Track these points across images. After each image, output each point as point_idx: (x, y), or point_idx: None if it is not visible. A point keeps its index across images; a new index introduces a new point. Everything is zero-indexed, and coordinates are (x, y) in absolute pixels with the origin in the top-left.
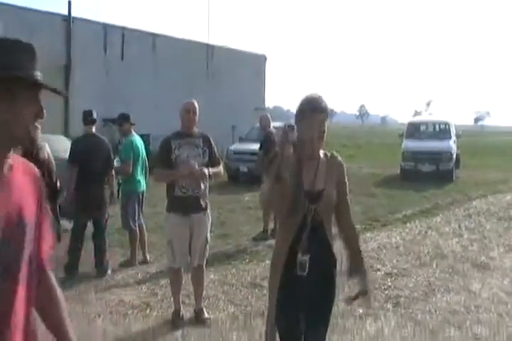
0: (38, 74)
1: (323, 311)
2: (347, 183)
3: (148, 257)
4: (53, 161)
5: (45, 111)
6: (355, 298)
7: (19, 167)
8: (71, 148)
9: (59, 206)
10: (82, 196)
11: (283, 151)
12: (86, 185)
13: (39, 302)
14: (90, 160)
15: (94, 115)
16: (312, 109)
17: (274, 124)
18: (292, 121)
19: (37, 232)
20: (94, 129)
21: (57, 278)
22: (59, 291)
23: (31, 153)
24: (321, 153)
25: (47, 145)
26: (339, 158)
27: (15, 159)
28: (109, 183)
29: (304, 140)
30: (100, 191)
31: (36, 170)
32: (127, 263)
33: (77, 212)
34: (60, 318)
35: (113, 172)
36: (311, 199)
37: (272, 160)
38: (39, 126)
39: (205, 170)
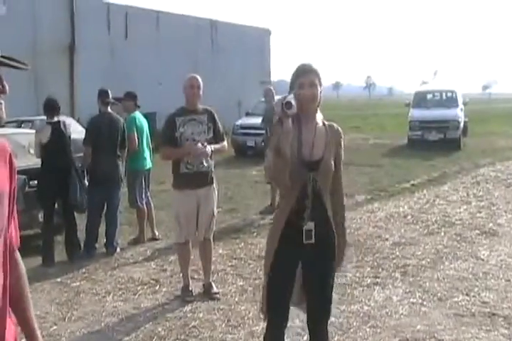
0: None
1: (327, 284)
2: (342, 155)
3: (156, 234)
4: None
5: (7, 86)
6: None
7: None
8: (87, 128)
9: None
10: (97, 172)
11: (282, 125)
12: (100, 162)
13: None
14: (106, 138)
15: (110, 96)
16: (302, 70)
17: (278, 97)
18: (290, 97)
19: (10, 206)
20: (109, 109)
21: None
22: (24, 270)
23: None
24: (319, 119)
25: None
26: (338, 128)
27: None
28: (124, 159)
29: (299, 100)
30: (115, 166)
31: (6, 143)
32: (136, 241)
33: (92, 189)
34: (26, 306)
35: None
36: (310, 168)
37: (272, 134)
38: (2, 102)
39: (209, 148)
